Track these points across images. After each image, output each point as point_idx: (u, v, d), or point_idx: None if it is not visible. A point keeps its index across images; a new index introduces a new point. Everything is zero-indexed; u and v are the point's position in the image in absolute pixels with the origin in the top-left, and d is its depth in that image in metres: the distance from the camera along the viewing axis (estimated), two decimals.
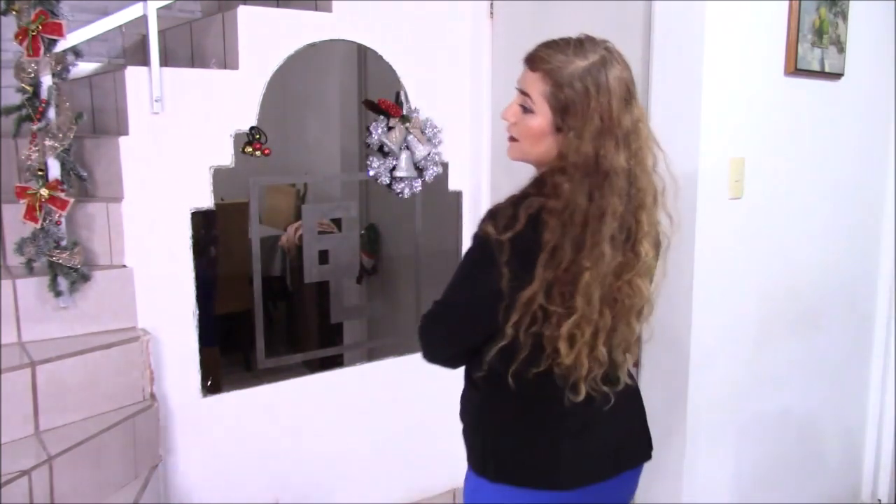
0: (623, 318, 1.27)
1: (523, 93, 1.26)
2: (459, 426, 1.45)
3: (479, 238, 1.25)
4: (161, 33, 2.08)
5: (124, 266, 2.07)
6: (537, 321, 1.22)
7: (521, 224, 1.19)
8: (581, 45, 1.24)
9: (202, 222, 2.19)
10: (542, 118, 1.24)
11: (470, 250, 1.29)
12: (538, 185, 1.26)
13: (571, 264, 1.19)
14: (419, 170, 2.51)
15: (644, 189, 1.25)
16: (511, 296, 1.21)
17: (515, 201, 1.23)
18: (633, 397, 1.45)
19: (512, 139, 1.31)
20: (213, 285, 2.41)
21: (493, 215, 1.24)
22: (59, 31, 1.84)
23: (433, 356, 1.39)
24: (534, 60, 1.25)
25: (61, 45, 1.87)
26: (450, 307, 1.32)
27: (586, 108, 1.20)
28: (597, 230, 1.19)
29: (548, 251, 1.19)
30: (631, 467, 1.43)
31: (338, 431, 2.54)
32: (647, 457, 1.46)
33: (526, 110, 1.26)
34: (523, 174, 1.54)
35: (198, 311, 2.17)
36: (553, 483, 1.32)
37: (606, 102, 1.20)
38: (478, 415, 1.39)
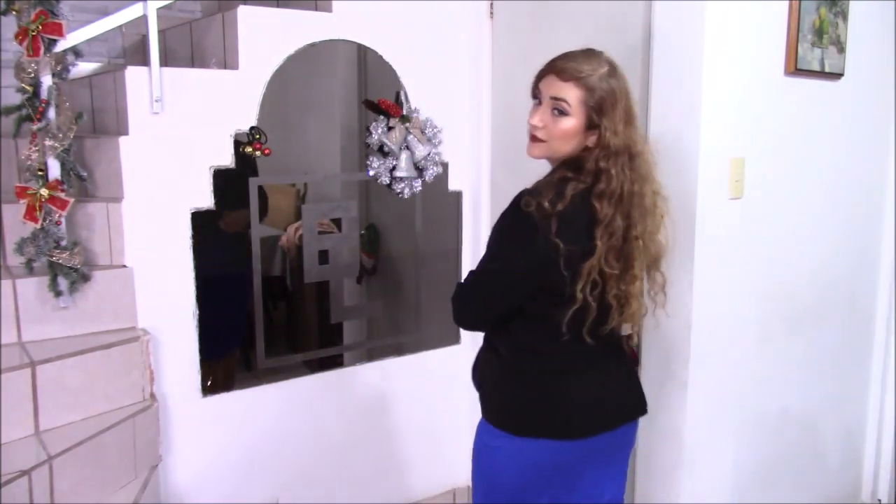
0: (651, 269, 1.57)
1: (557, 99, 1.47)
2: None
3: (520, 213, 1.43)
4: (161, 33, 2.08)
5: (124, 266, 2.07)
6: (598, 285, 1.45)
7: (567, 200, 1.42)
8: (593, 54, 1.50)
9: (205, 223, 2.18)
10: (577, 120, 1.47)
11: (507, 225, 1.49)
12: (576, 171, 1.47)
13: (625, 232, 1.46)
14: (419, 170, 2.51)
15: (649, 162, 1.53)
16: (567, 265, 1.43)
17: (556, 182, 1.46)
18: (626, 359, 1.69)
19: (537, 139, 1.51)
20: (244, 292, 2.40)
21: (535, 193, 1.44)
22: (59, 31, 1.84)
23: (467, 319, 1.63)
24: (564, 71, 1.46)
25: (61, 45, 1.87)
26: (488, 274, 1.53)
27: (614, 105, 1.46)
28: (640, 203, 1.48)
29: (603, 224, 1.43)
30: (631, 419, 1.66)
31: (338, 431, 2.54)
32: (644, 411, 1.70)
33: (561, 113, 1.47)
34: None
35: (224, 321, 2.17)
36: (566, 433, 1.53)
37: (626, 99, 1.48)
38: (502, 375, 1.59)
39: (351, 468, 2.59)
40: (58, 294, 1.92)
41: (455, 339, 2.71)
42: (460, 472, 2.71)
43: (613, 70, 1.49)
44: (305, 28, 2.29)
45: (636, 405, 1.68)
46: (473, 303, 1.58)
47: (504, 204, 1.52)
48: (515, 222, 1.46)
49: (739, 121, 2.02)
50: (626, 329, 1.62)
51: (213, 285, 2.22)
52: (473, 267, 1.61)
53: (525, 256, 1.45)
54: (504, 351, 1.59)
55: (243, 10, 2.19)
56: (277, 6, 2.38)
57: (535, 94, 1.53)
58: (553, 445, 1.54)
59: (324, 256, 2.47)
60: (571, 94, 1.46)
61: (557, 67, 1.47)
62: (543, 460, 1.55)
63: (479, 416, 1.67)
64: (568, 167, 1.49)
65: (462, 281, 1.61)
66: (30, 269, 1.91)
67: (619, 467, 1.68)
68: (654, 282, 1.60)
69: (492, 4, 2.59)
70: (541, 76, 1.51)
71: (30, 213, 1.86)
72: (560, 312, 1.47)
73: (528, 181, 1.52)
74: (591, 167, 1.46)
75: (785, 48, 2.09)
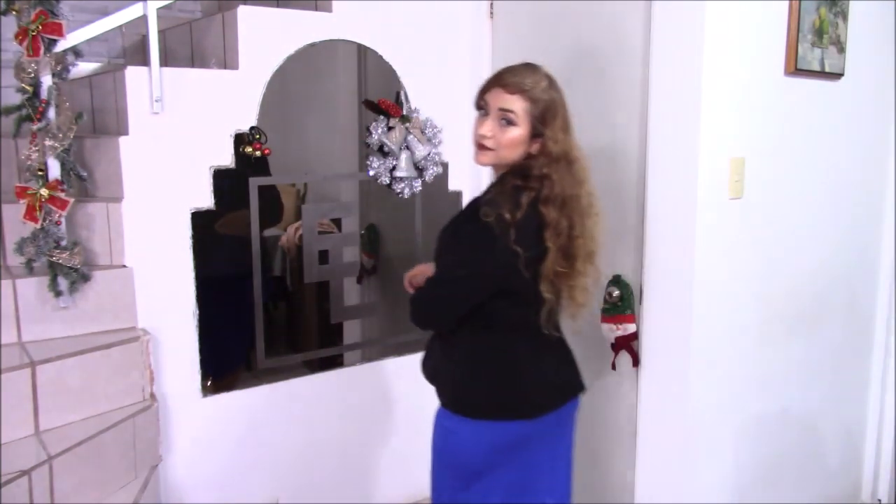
0: (587, 263, 1.67)
1: (505, 110, 1.59)
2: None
3: (480, 223, 1.54)
4: (161, 33, 2.08)
5: (124, 266, 2.07)
6: (553, 283, 1.60)
7: (523, 209, 1.54)
8: (534, 68, 1.63)
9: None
10: (523, 129, 1.59)
11: (467, 234, 1.60)
12: (524, 178, 1.59)
13: (569, 233, 1.59)
14: (419, 170, 2.51)
15: (584, 167, 1.65)
16: (526, 268, 1.55)
17: (511, 192, 1.56)
18: (566, 343, 1.81)
19: (485, 148, 1.63)
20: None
21: (493, 204, 1.55)
22: (59, 31, 1.84)
23: (431, 321, 1.73)
24: (511, 85, 1.59)
25: (61, 45, 1.87)
26: (455, 280, 1.63)
27: (555, 115, 1.60)
28: (577, 205, 1.61)
29: (552, 227, 1.56)
30: (574, 396, 1.79)
31: (338, 431, 2.54)
32: (584, 388, 1.81)
33: (509, 123, 1.59)
34: None
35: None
36: (523, 413, 1.67)
37: (563, 109, 1.63)
38: (460, 366, 1.70)
39: (351, 468, 2.59)
40: (58, 294, 1.92)
41: None
42: None
43: (552, 82, 1.63)
44: (305, 28, 2.29)
45: (580, 383, 1.81)
46: (440, 307, 1.67)
47: None
48: (476, 231, 1.56)
49: (739, 121, 2.02)
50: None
51: (217, 299, 2.24)
52: None
53: (489, 263, 1.57)
54: (461, 344, 1.70)
55: (243, 10, 2.19)
56: (277, 6, 2.38)
57: (481, 105, 1.65)
58: (510, 426, 1.67)
59: (324, 256, 2.47)
60: (518, 105, 1.58)
61: (504, 81, 1.60)
62: (501, 440, 1.68)
63: None
64: (516, 175, 1.61)
65: (422, 288, 1.72)
66: (30, 269, 1.91)
67: (567, 445, 1.82)
68: (589, 275, 1.70)
69: (492, 4, 2.59)
70: (486, 89, 1.64)
71: (30, 213, 1.86)
72: (519, 309, 1.63)
73: (499, 178, 1.66)
74: (537, 174, 1.58)
75: (785, 48, 2.09)
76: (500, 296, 1.62)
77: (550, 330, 1.67)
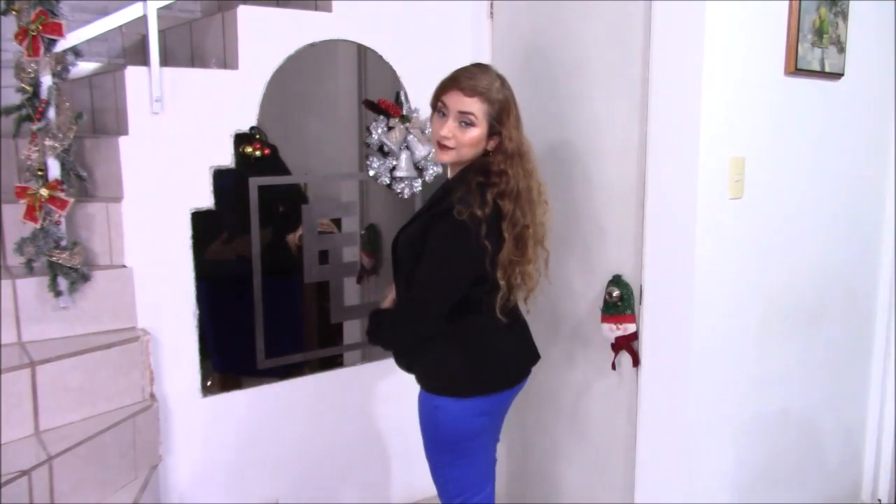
0: (537, 246, 1.82)
1: (465, 113, 1.70)
2: None
3: (456, 223, 1.65)
4: (161, 33, 2.08)
5: (124, 266, 2.07)
6: (507, 270, 1.73)
7: (490, 205, 1.68)
8: (486, 69, 1.77)
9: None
10: (481, 129, 1.72)
11: (445, 238, 1.69)
12: (485, 175, 1.72)
13: (522, 222, 1.72)
14: (419, 170, 2.51)
15: (533, 159, 1.80)
16: (491, 259, 1.69)
17: (477, 190, 1.69)
18: (523, 320, 1.96)
19: (446, 147, 1.74)
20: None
21: (465, 203, 1.66)
22: (59, 31, 1.85)
23: (417, 333, 1.81)
24: (468, 88, 1.70)
25: (61, 45, 1.87)
26: (437, 294, 1.73)
27: (509, 113, 1.73)
28: (528, 196, 1.74)
29: (508, 219, 1.70)
30: (533, 365, 1.96)
31: (338, 431, 2.54)
32: (539, 357, 1.98)
33: (468, 125, 1.71)
34: None
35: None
36: (498, 386, 1.84)
37: (515, 106, 1.76)
38: (437, 353, 1.81)
39: (350, 468, 2.59)
40: (58, 294, 1.92)
41: None
42: None
43: (503, 82, 1.76)
44: (305, 28, 2.29)
45: (537, 353, 1.99)
46: (430, 309, 1.75)
47: None
48: (452, 230, 1.67)
49: (739, 120, 2.02)
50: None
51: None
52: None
53: (466, 258, 1.70)
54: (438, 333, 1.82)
55: (243, 10, 2.19)
56: (277, 6, 2.38)
57: (438, 106, 1.75)
58: (488, 399, 1.83)
59: (324, 256, 2.47)
60: (476, 107, 1.70)
61: (461, 84, 1.71)
62: (484, 411, 1.83)
63: None
64: (476, 172, 1.73)
65: (406, 306, 1.82)
66: (30, 269, 1.91)
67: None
68: (539, 257, 1.84)
69: (492, 4, 2.59)
70: (443, 91, 1.74)
71: (30, 213, 1.86)
72: (487, 295, 1.76)
73: (459, 175, 1.79)
74: (496, 170, 1.72)
75: (785, 48, 2.09)
76: (472, 286, 1.75)
77: (510, 311, 1.82)
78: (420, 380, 1.86)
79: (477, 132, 1.72)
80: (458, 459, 1.87)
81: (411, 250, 1.76)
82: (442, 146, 1.75)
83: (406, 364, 1.90)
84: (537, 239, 1.80)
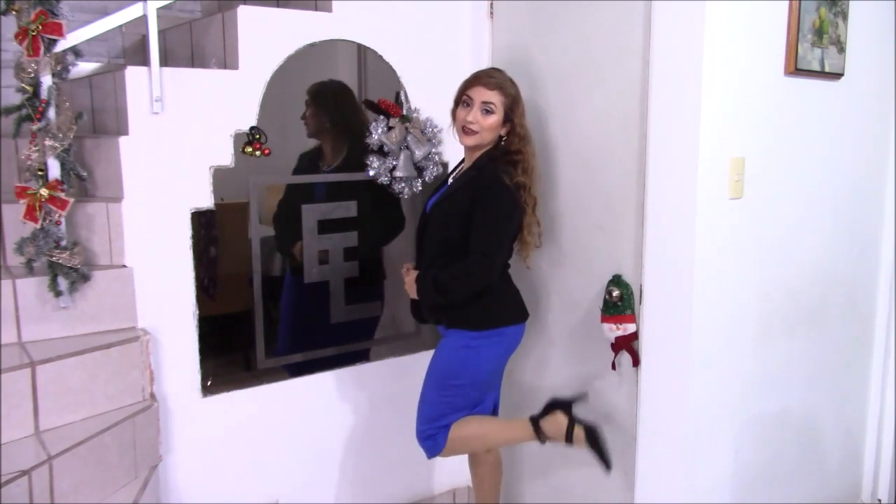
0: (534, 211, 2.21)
1: (487, 102, 2.10)
2: None
3: (509, 189, 2.06)
4: (161, 33, 2.08)
5: (124, 266, 2.07)
6: (527, 227, 2.17)
7: (519, 175, 2.12)
8: (500, 70, 2.20)
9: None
10: (499, 116, 2.11)
11: (503, 202, 2.06)
12: (507, 153, 2.13)
13: (532, 191, 2.15)
14: (419, 170, 2.51)
15: (533, 142, 2.21)
16: (522, 218, 2.14)
17: (512, 165, 2.11)
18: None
19: (471, 132, 2.11)
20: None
21: (508, 174, 2.09)
22: (59, 31, 1.84)
23: (492, 282, 2.11)
24: (489, 83, 2.11)
25: (61, 45, 1.87)
26: (503, 248, 2.12)
27: (519, 103, 2.15)
28: (534, 171, 2.17)
29: (527, 189, 2.12)
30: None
31: (338, 431, 2.54)
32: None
33: (489, 112, 2.10)
34: None
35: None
36: (522, 316, 2.23)
37: (521, 98, 2.17)
38: (476, 292, 2.10)
39: (350, 468, 2.59)
40: (58, 294, 1.92)
41: None
42: (460, 473, 2.70)
43: (513, 81, 2.16)
44: (305, 28, 2.29)
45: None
46: (495, 261, 2.08)
47: None
48: (503, 192, 2.06)
49: (739, 121, 2.02)
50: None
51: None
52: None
53: (516, 215, 2.11)
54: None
55: (243, 10, 2.19)
56: (277, 6, 2.38)
57: (464, 99, 2.12)
58: (519, 328, 2.22)
59: (324, 256, 2.47)
60: (496, 98, 2.10)
61: (484, 80, 2.12)
62: (511, 344, 2.21)
63: None
64: (501, 152, 2.14)
65: (481, 259, 2.07)
66: (30, 269, 1.91)
67: None
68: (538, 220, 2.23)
69: (492, 4, 2.59)
70: (468, 87, 2.13)
71: (30, 213, 1.86)
72: (511, 248, 2.18)
73: (485, 156, 2.13)
74: (514, 149, 2.13)
75: (785, 48, 2.09)
76: None
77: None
78: (451, 322, 2.15)
79: (496, 118, 2.10)
80: (470, 403, 2.18)
81: (455, 220, 2.08)
82: (467, 131, 2.11)
83: (437, 309, 2.16)
84: (534, 203, 2.18)
